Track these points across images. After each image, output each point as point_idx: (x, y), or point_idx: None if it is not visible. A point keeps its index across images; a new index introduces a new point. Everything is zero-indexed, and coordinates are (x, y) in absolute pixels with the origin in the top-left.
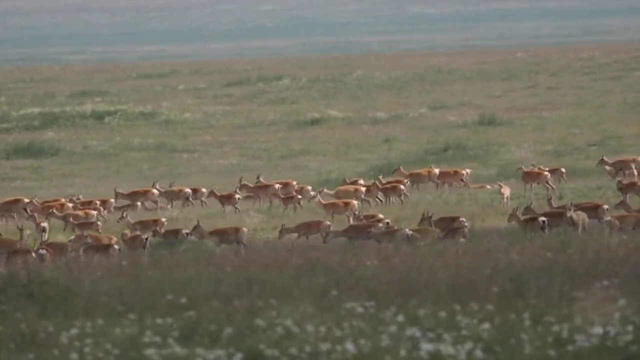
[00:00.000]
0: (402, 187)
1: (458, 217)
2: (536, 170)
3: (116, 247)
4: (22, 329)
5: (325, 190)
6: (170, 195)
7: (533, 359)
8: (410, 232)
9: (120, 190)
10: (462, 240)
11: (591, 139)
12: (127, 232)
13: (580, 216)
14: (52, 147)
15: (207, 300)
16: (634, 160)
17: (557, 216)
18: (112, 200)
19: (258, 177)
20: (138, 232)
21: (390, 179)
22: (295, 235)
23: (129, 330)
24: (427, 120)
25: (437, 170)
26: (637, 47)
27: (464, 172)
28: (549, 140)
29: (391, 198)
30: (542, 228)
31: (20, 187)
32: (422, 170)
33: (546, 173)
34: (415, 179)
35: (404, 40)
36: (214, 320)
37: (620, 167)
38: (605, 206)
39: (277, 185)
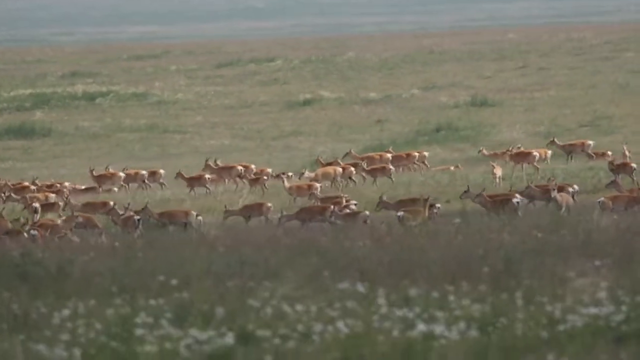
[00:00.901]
0: (390, 167)
1: (419, 198)
2: (526, 151)
3: (33, 232)
4: (14, 309)
5: (306, 172)
6: (127, 179)
7: (526, 339)
8: (402, 213)
9: (94, 171)
10: (456, 221)
11: (582, 119)
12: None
13: (564, 197)
14: (44, 128)
15: (199, 281)
16: (582, 144)
17: (505, 201)
18: (67, 183)
19: (215, 161)
20: (131, 213)
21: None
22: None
23: (121, 311)
24: (418, 101)
25: (389, 155)
26: (628, 28)
27: (416, 154)
28: (540, 121)
29: (377, 179)
30: (516, 209)
31: (12, 168)
32: (375, 154)
33: (535, 154)
34: (368, 162)
35: (395, 21)
36: (207, 301)
37: (570, 150)
38: (576, 187)
39: (239, 167)
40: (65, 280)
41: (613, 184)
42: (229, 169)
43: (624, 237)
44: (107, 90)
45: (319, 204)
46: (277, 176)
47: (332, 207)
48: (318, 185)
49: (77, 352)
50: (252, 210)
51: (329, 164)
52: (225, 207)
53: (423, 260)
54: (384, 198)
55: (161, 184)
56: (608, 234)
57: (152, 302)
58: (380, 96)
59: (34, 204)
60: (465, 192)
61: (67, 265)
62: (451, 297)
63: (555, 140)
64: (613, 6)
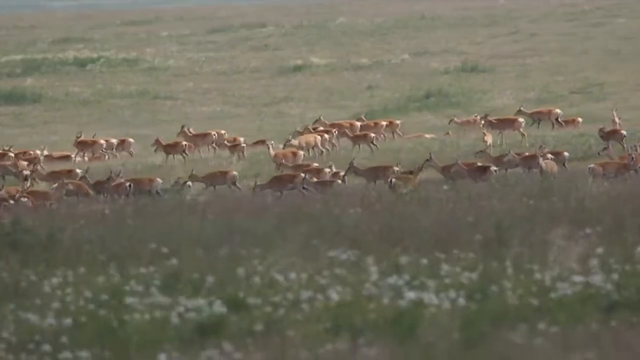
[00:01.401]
0: (372, 135)
1: (390, 166)
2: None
3: (24, 200)
4: (4, 278)
5: (292, 139)
6: (99, 147)
7: (516, 307)
8: (393, 180)
9: (80, 137)
10: (444, 187)
11: (574, 86)
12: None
13: (549, 165)
14: (34, 94)
15: (189, 249)
16: (549, 112)
17: (480, 171)
18: (38, 151)
19: (189, 128)
20: (122, 180)
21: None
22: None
23: (111, 279)
24: (409, 66)
25: (358, 124)
26: None
27: (384, 123)
28: (531, 87)
29: (360, 146)
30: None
31: (2, 134)
32: (344, 122)
33: (521, 120)
34: (338, 130)
35: None
36: (196, 269)
37: (538, 118)
38: (566, 154)
39: (214, 134)
40: (55, 248)
41: (606, 151)
42: (203, 136)
43: (614, 205)
44: (98, 56)
45: (285, 172)
46: (262, 142)
47: (303, 175)
48: (302, 152)
49: (67, 320)
50: (216, 178)
51: (304, 131)
52: (192, 171)
53: (413, 228)
54: (355, 164)
55: (130, 153)
56: (599, 202)
57: (142, 270)
58: (371, 62)
59: (24, 172)
60: (427, 160)
61: (58, 233)
62: (441, 265)
63: (522, 108)
64: None
